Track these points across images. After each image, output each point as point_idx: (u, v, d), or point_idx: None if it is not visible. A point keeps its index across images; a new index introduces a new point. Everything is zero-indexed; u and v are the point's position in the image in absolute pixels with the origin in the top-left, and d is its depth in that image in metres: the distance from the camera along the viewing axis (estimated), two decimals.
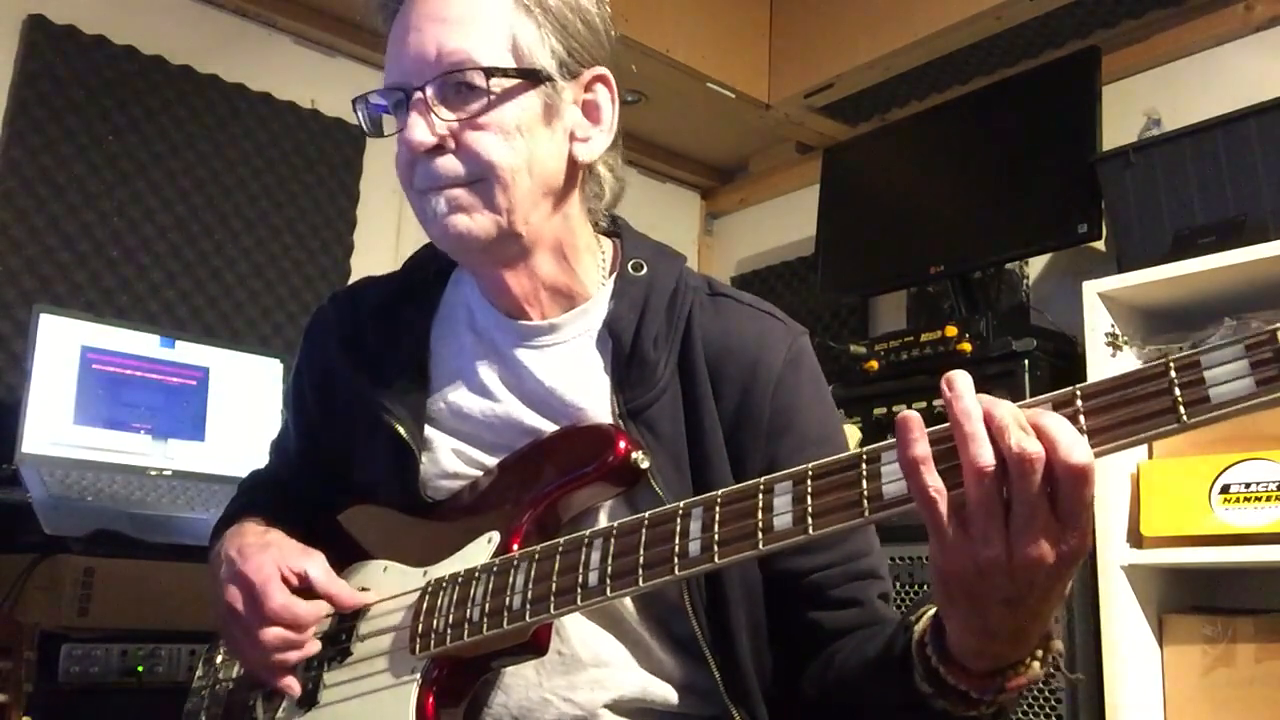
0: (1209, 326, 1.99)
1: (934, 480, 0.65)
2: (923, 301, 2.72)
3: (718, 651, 0.95)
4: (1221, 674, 1.92)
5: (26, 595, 1.61)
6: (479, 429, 1.03)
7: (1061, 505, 0.63)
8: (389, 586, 1.00)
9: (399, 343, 1.08)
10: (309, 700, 1.00)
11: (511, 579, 0.88)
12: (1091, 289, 2.10)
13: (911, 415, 0.66)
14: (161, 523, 1.81)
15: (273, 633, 0.95)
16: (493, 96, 0.93)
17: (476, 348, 1.06)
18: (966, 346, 2.21)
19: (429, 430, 1.04)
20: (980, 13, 2.50)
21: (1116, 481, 2.02)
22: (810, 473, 0.72)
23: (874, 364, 2.38)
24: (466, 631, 0.89)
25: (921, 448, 0.65)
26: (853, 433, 2.34)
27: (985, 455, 0.63)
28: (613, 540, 0.82)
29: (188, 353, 2.17)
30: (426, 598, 0.94)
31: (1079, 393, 0.64)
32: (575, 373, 1.01)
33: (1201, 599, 2.14)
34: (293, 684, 0.97)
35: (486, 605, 0.88)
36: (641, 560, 0.80)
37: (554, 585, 0.84)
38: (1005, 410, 0.63)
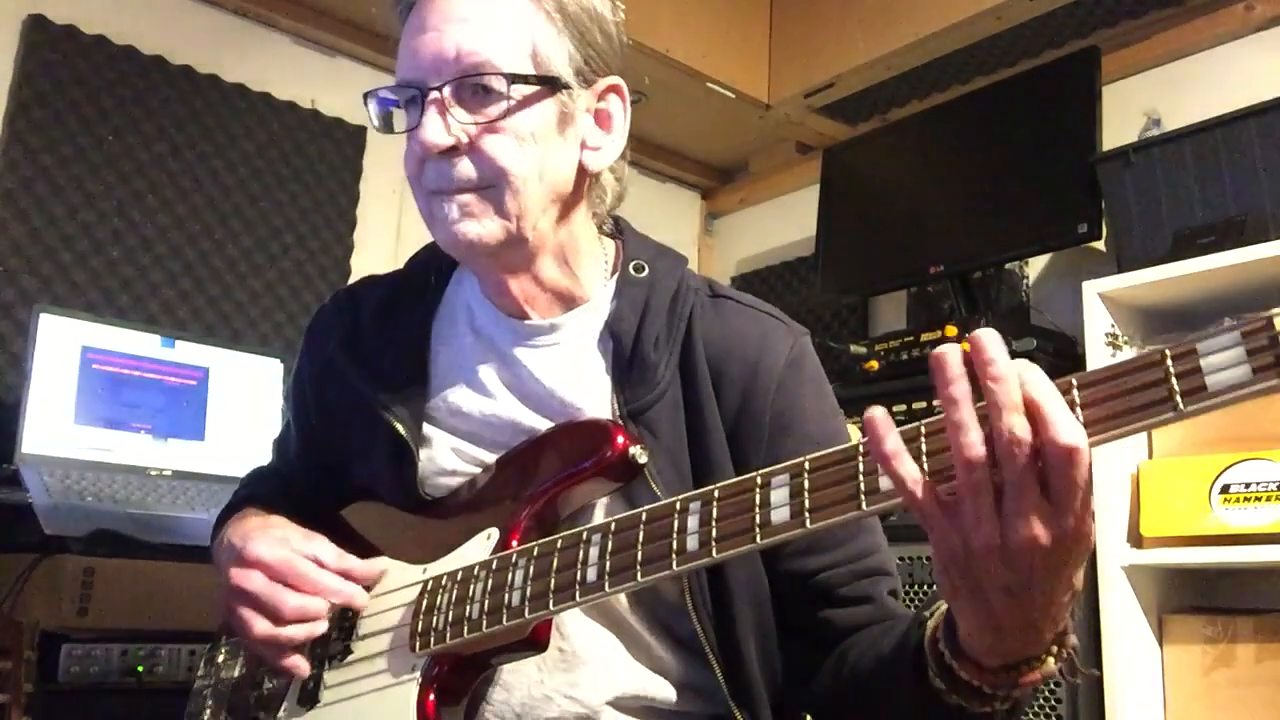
0: (1209, 327, 1.98)
1: (910, 470, 0.65)
2: (923, 301, 2.72)
3: (723, 652, 0.95)
4: (1221, 674, 1.92)
5: (26, 595, 1.61)
6: (478, 428, 1.03)
7: (1053, 486, 0.62)
8: (389, 584, 1.00)
9: (399, 342, 1.08)
10: (310, 699, 1.00)
11: (510, 576, 0.88)
12: (1091, 289, 2.10)
13: (875, 413, 0.66)
14: (161, 523, 1.80)
15: (297, 604, 0.94)
16: (512, 102, 0.93)
17: (476, 347, 1.06)
18: (966, 346, 2.20)
19: (428, 429, 1.04)
20: (980, 13, 2.50)
21: (1116, 482, 2.02)
22: (807, 466, 0.72)
23: (874, 364, 2.38)
24: (466, 629, 0.89)
25: (891, 443, 0.65)
26: (854, 433, 2.34)
27: (973, 443, 0.62)
28: (611, 536, 0.82)
29: (188, 353, 2.17)
30: (426, 595, 0.95)
31: (1075, 382, 0.63)
32: (575, 373, 1.01)
33: (1201, 599, 2.14)
34: (301, 664, 0.97)
35: (486, 602, 0.88)
36: (640, 556, 0.80)
37: (552, 582, 0.84)
38: (1003, 390, 0.62)
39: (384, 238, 2.74)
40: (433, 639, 0.92)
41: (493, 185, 0.94)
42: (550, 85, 0.95)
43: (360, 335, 1.11)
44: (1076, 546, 0.64)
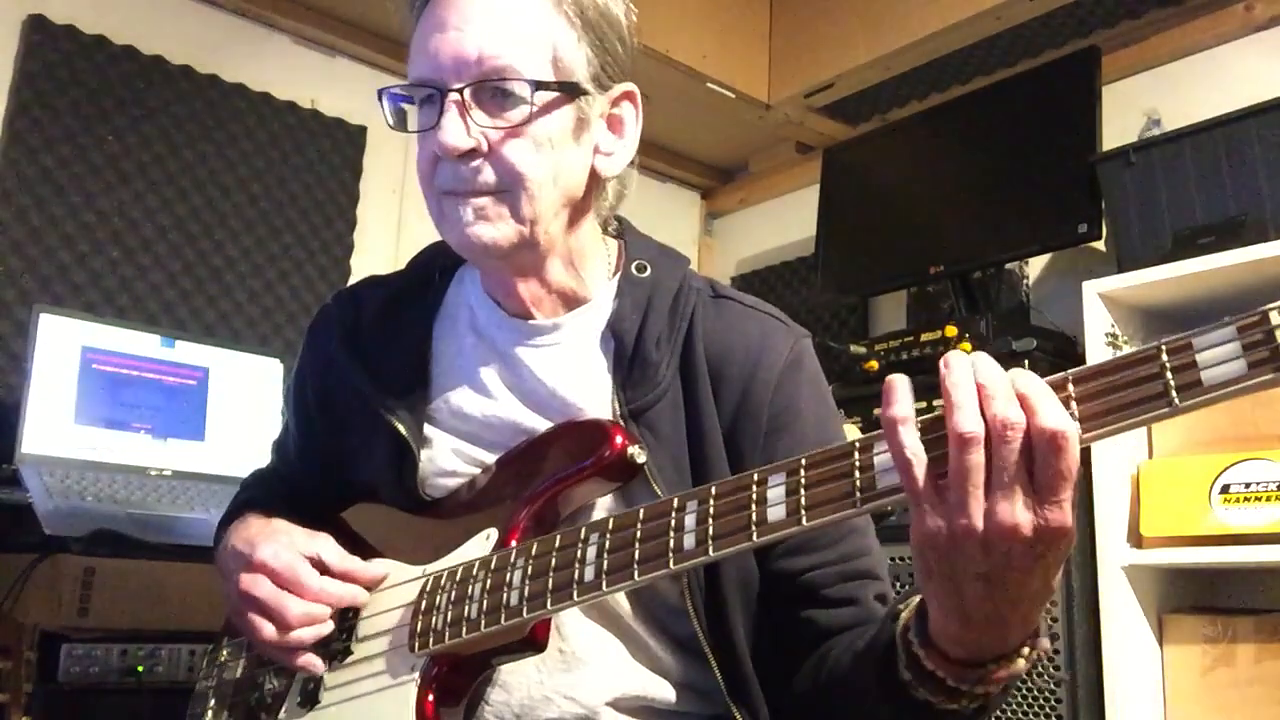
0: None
1: (912, 440, 0.65)
2: (923, 301, 2.71)
3: (719, 652, 0.95)
4: (1221, 674, 1.92)
5: (26, 595, 1.61)
6: (479, 428, 1.03)
7: (1039, 474, 0.63)
8: (388, 584, 1.00)
9: (401, 342, 1.09)
10: (310, 700, 1.00)
11: (509, 575, 0.88)
12: (1091, 289, 2.10)
13: (898, 378, 0.67)
14: (161, 523, 1.81)
15: (298, 612, 0.95)
16: (534, 108, 0.92)
17: (478, 347, 1.06)
18: (966, 346, 2.20)
19: (429, 429, 1.04)
20: (980, 13, 2.50)
21: (1116, 482, 2.02)
22: (803, 464, 0.73)
23: (874, 364, 2.38)
24: (465, 629, 0.89)
25: (902, 408, 0.66)
26: (853, 433, 2.34)
27: (970, 422, 0.63)
28: (608, 535, 0.82)
29: (188, 353, 2.17)
30: (425, 596, 0.95)
31: (1071, 378, 0.64)
32: (577, 373, 1.02)
33: (1201, 599, 2.14)
34: (315, 663, 0.98)
35: (484, 602, 0.88)
36: (637, 555, 0.80)
37: (550, 581, 0.84)
38: (997, 381, 0.64)
39: (384, 238, 2.74)
40: (432, 639, 0.92)
41: (508, 190, 0.94)
42: (570, 92, 0.95)
43: (361, 335, 1.11)
44: (1057, 542, 0.65)
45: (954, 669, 0.72)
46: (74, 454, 1.95)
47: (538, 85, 0.92)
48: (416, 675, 0.92)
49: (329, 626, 0.98)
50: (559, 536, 0.86)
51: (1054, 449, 0.62)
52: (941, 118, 2.72)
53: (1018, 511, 0.63)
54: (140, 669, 1.64)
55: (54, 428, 1.95)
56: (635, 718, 0.98)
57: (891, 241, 2.69)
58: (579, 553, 0.84)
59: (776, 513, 0.73)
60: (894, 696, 0.78)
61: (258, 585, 0.97)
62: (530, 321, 1.03)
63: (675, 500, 0.79)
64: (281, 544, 0.99)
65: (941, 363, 0.66)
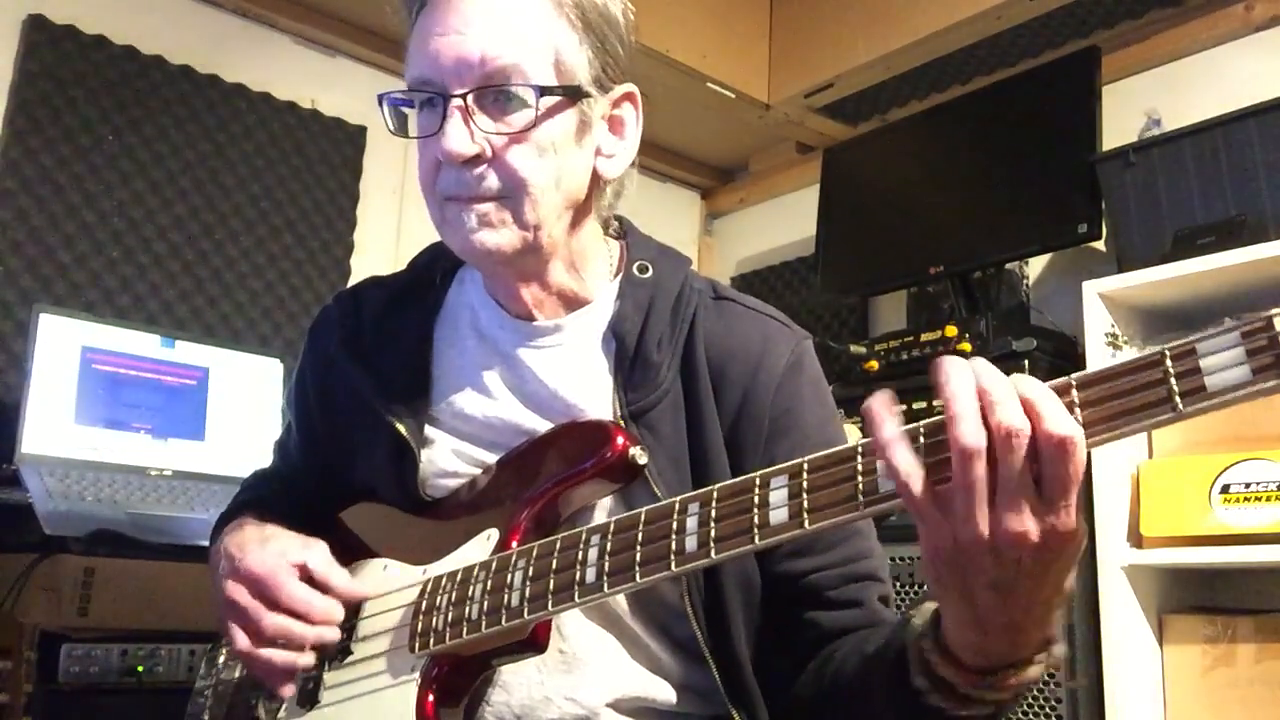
0: (1209, 327, 1.98)
1: (906, 460, 0.65)
2: (923, 301, 2.72)
3: (718, 653, 0.95)
4: (1221, 674, 1.92)
5: (26, 595, 1.61)
6: (480, 429, 1.03)
7: (1046, 480, 0.62)
8: (389, 584, 1.00)
9: (401, 343, 1.08)
10: (310, 700, 1.00)
11: (509, 576, 0.88)
12: (1091, 289, 2.10)
13: (873, 403, 0.66)
14: (161, 523, 1.80)
15: (277, 625, 0.94)
16: (538, 113, 0.92)
17: (479, 349, 1.06)
18: (966, 346, 2.21)
19: (429, 430, 1.04)
20: (980, 13, 2.50)
21: (1116, 482, 2.02)
22: (806, 467, 0.72)
23: (874, 364, 2.38)
24: (465, 629, 0.89)
25: (889, 429, 0.65)
26: (853, 433, 2.34)
27: (973, 434, 0.62)
28: (610, 537, 0.82)
29: (188, 353, 2.17)
30: (426, 596, 0.95)
31: (1075, 383, 0.63)
32: (578, 374, 1.01)
33: (1201, 599, 2.14)
34: (288, 689, 0.96)
35: (485, 603, 0.88)
36: (638, 557, 0.79)
37: (551, 583, 0.84)
38: (1000, 387, 0.63)
39: (384, 238, 2.74)
40: (432, 639, 0.91)
41: (512, 195, 0.93)
42: (573, 95, 0.95)
43: (362, 336, 1.11)
44: (1066, 545, 0.64)
45: (969, 676, 0.72)
46: (74, 454, 1.95)
47: (542, 90, 0.92)
48: (417, 675, 0.92)
49: (308, 658, 0.95)
50: (560, 538, 0.86)
51: (1062, 455, 0.61)
52: (941, 118, 2.72)
53: (1025, 519, 0.63)
54: (140, 669, 1.64)
55: (54, 428, 1.95)
56: (635, 719, 0.98)
57: (891, 241, 2.69)
58: (580, 554, 0.83)
59: (779, 515, 0.73)
60: (905, 703, 0.77)
61: (239, 593, 0.96)
62: (532, 323, 1.03)
63: (677, 503, 0.79)
64: (270, 552, 0.98)
65: (935, 369, 0.64)
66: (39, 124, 2.24)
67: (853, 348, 2.42)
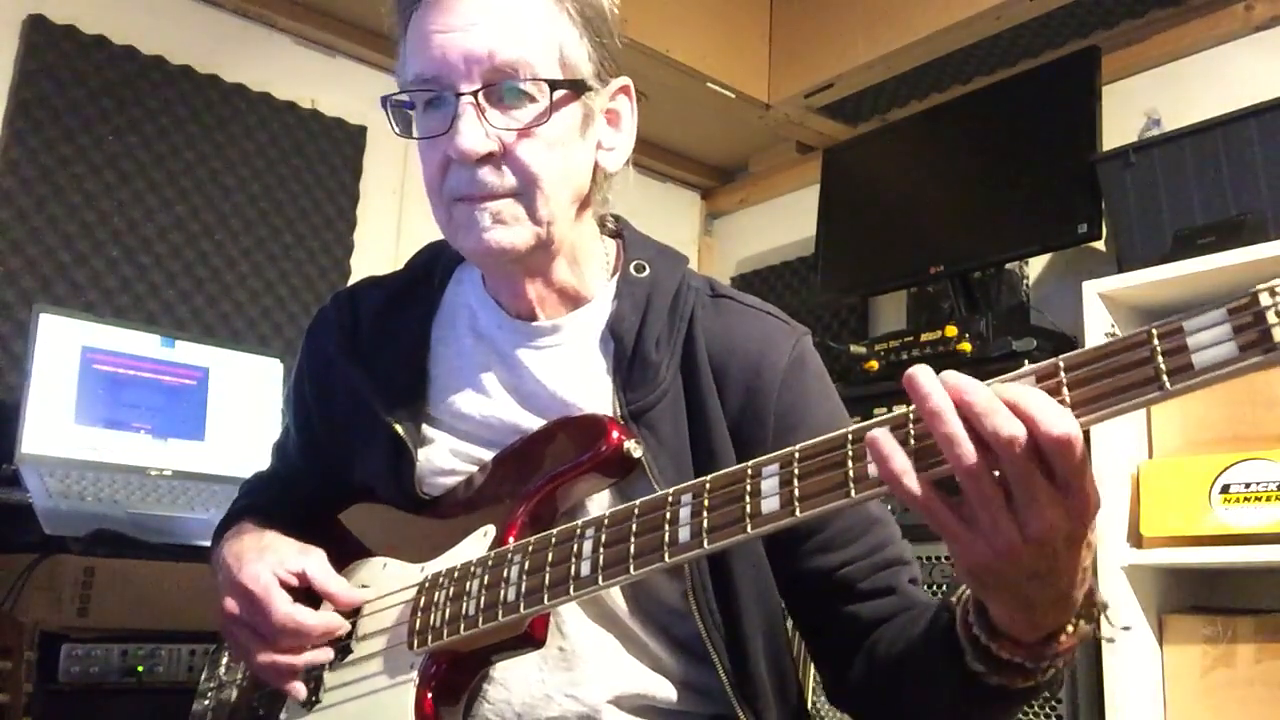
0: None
1: (916, 487, 0.65)
2: (923, 301, 2.72)
3: (730, 652, 0.95)
4: (1221, 674, 1.92)
5: (26, 595, 1.61)
6: (478, 429, 1.03)
7: (1058, 476, 0.63)
8: (388, 583, 1.00)
9: (399, 343, 1.08)
10: (310, 700, 1.00)
11: (506, 572, 0.88)
12: (1091, 289, 2.10)
13: (877, 436, 0.66)
14: (161, 523, 1.80)
15: (274, 636, 0.96)
16: (548, 108, 0.92)
17: (477, 349, 1.06)
18: (966, 346, 2.21)
19: (427, 429, 1.04)
20: (980, 13, 2.50)
21: (1116, 481, 2.02)
22: (797, 455, 0.73)
23: (874, 364, 2.38)
24: (463, 626, 0.89)
25: (899, 461, 0.65)
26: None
27: (967, 452, 0.63)
28: (604, 530, 0.82)
29: (188, 353, 2.17)
30: (424, 593, 0.95)
31: (1062, 364, 0.64)
32: (577, 374, 1.01)
33: (1201, 599, 2.14)
34: (298, 689, 0.97)
35: (482, 599, 0.88)
36: (633, 549, 0.80)
37: (547, 577, 0.84)
38: (979, 396, 0.63)
39: (384, 238, 2.73)
40: (430, 637, 0.92)
41: (524, 192, 0.93)
42: (578, 89, 0.95)
43: (360, 336, 1.11)
44: (1089, 515, 0.65)
45: (1027, 650, 0.73)
46: (74, 454, 1.95)
47: (554, 85, 0.92)
48: (415, 673, 0.92)
49: (325, 654, 0.97)
50: (556, 532, 0.86)
51: (1068, 449, 0.62)
52: (941, 118, 2.72)
53: (1048, 512, 0.63)
54: (140, 669, 1.64)
55: (54, 428, 1.95)
56: (637, 716, 0.98)
57: (891, 241, 2.69)
58: (575, 548, 0.84)
59: (770, 504, 0.73)
60: (966, 687, 0.78)
61: (235, 606, 0.98)
62: (530, 323, 1.03)
63: (670, 494, 0.79)
64: (266, 564, 0.98)
65: (910, 386, 0.64)
66: (39, 124, 2.24)
67: (853, 348, 2.42)
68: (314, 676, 1.00)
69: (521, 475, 0.96)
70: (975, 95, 2.67)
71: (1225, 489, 1.88)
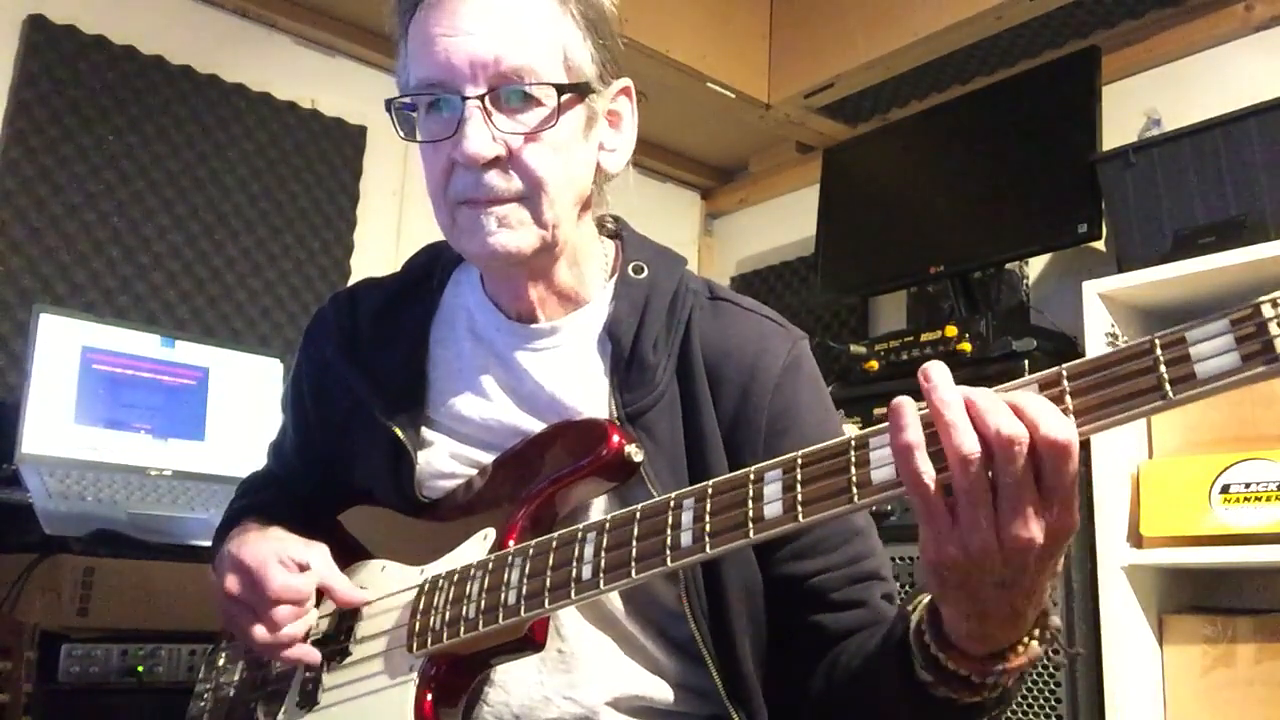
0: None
1: (925, 466, 0.65)
2: (923, 301, 2.72)
3: (719, 654, 0.95)
4: (1221, 674, 1.92)
5: (26, 595, 1.61)
6: (477, 431, 1.03)
7: (1046, 483, 0.63)
8: (387, 585, 1.00)
9: (398, 345, 1.08)
10: (309, 701, 1.00)
11: (506, 575, 0.88)
12: (1091, 289, 2.10)
13: (904, 400, 0.66)
14: (161, 523, 1.81)
15: (277, 610, 0.95)
16: (554, 112, 0.92)
17: (476, 351, 1.06)
18: (966, 346, 2.21)
19: (426, 432, 1.04)
20: (980, 13, 2.50)
21: (1116, 482, 2.02)
22: (800, 460, 0.73)
23: (874, 364, 2.38)
24: (463, 628, 0.89)
25: (913, 434, 0.65)
26: (853, 431, 2.34)
27: (968, 442, 0.63)
28: (605, 533, 0.82)
29: (188, 353, 2.17)
30: (423, 596, 0.95)
31: (1065, 372, 0.64)
32: (574, 376, 1.01)
33: (1201, 599, 2.14)
34: (310, 653, 0.97)
35: (482, 602, 0.88)
36: (634, 553, 0.79)
37: (548, 580, 0.84)
38: (985, 395, 0.64)
39: (384, 238, 2.73)
40: (430, 639, 0.91)
41: (530, 195, 0.93)
42: (583, 92, 0.95)
43: (358, 338, 1.11)
44: (1066, 539, 0.66)
45: (975, 664, 0.73)
46: (74, 454, 1.95)
47: (559, 88, 0.92)
48: (415, 675, 0.92)
49: (309, 615, 0.97)
50: (556, 536, 0.86)
51: (1063, 457, 0.62)
52: (941, 118, 2.72)
53: (1030, 522, 0.64)
54: (140, 669, 1.64)
55: (54, 428, 1.95)
56: (634, 717, 0.98)
57: (891, 241, 2.69)
58: (576, 551, 0.84)
59: (773, 509, 0.73)
60: (914, 696, 0.78)
61: (235, 584, 0.98)
62: (529, 325, 1.03)
63: (672, 498, 0.79)
64: (271, 548, 0.99)
65: (922, 377, 0.65)
66: (39, 124, 2.24)
67: (853, 348, 2.42)
68: (312, 678, 1.00)
69: (521, 478, 0.96)
70: (975, 95, 2.67)
71: (1225, 489, 1.88)
